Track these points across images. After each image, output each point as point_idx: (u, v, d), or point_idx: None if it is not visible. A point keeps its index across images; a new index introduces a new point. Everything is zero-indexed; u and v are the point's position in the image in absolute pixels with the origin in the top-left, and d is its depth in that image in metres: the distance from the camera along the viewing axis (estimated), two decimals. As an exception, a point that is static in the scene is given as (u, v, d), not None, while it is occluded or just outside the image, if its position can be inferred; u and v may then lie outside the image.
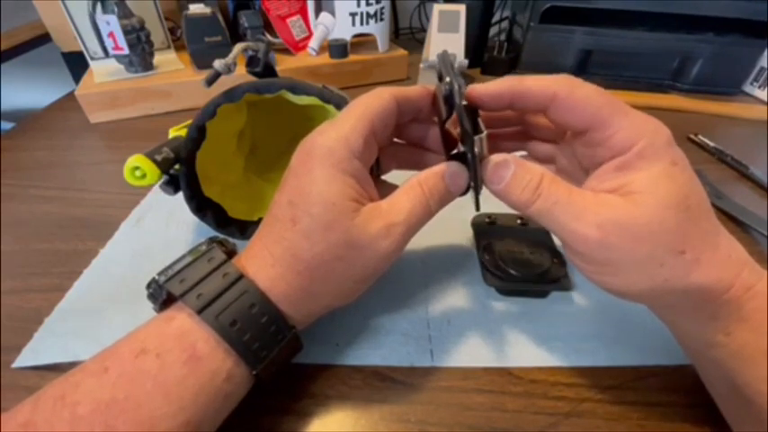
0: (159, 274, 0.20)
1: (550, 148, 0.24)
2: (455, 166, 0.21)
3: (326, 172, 0.19)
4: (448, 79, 0.19)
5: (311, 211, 0.18)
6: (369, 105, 0.20)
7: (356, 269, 0.20)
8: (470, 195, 0.22)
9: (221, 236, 0.23)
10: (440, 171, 0.21)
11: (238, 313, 0.18)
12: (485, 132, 0.19)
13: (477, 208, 0.22)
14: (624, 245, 0.17)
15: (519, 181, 0.19)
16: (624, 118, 0.18)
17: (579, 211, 0.18)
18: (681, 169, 0.17)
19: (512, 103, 0.20)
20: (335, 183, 0.19)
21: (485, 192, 0.21)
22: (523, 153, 0.26)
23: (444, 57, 0.22)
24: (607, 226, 0.17)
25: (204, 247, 0.21)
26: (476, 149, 0.19)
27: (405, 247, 0.21)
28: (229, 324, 0.18)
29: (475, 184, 0.21)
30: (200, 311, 0.18)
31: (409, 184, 0.21)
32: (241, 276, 0.19)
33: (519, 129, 0.25)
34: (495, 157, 0.20)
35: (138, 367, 0.17)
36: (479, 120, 0.19)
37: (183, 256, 0.20)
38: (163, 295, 0.19)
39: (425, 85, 0.22)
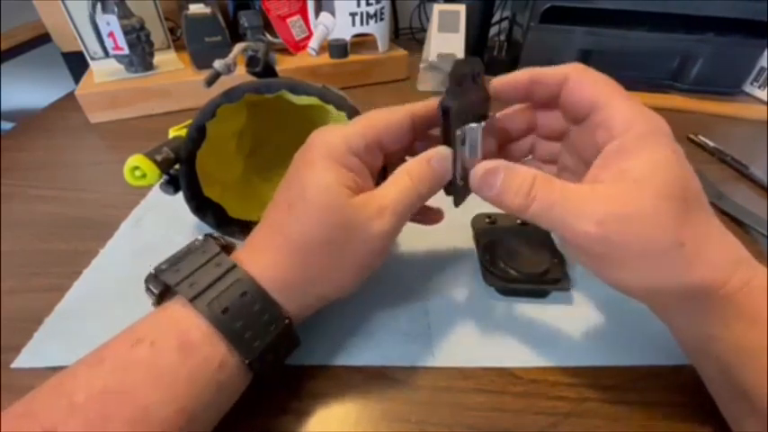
0: (156, 267, 0.20)
1: (555, 146, 0.25)
2: (443, 149, 0.21)
3: (324, 162, 0.20)
4: (444, 89, 0.20)
5: (306, 195, 0.19)
6: (380, 117, 0.21)
7: (349, 253, 0.20)
8: (469, 196, 0.22)
9: (217, 233, 0.23)
10: (426, 156, 0.21)
11: (230, 301, 0.18)
12: (483, 122, 0.20)
13: (456, 202, 0.23)
14: (625, 238, 0.17)
15: (510, 185, 0.19)
16: (624, 101, 0.19)
17: (577, 209, 0.18)
18: (679, 160, 0.18)
19: (530, 91, 0.22)
20: (331, 171, 0.19)
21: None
22: (529, 158, 0.26)
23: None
24: (607, 221, 0.17)
25: (199, 242, 0.21)
26: (464, 143, 0.20)
27: (398, 233, 0.21)
28: (221, 311, 0.18)
29: (454, 179, 0.22)
30: (192, 299, 0.18)
31: (397, 172, 0.21)
32: (234, 266, 0.19)
33: (529, 126, 0.26)
34: (485, 164, 0.20)
35: (133, 356, 0.17)
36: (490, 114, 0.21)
37: (180, 251, 0.21)
38: (159, 287, 0.20)
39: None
